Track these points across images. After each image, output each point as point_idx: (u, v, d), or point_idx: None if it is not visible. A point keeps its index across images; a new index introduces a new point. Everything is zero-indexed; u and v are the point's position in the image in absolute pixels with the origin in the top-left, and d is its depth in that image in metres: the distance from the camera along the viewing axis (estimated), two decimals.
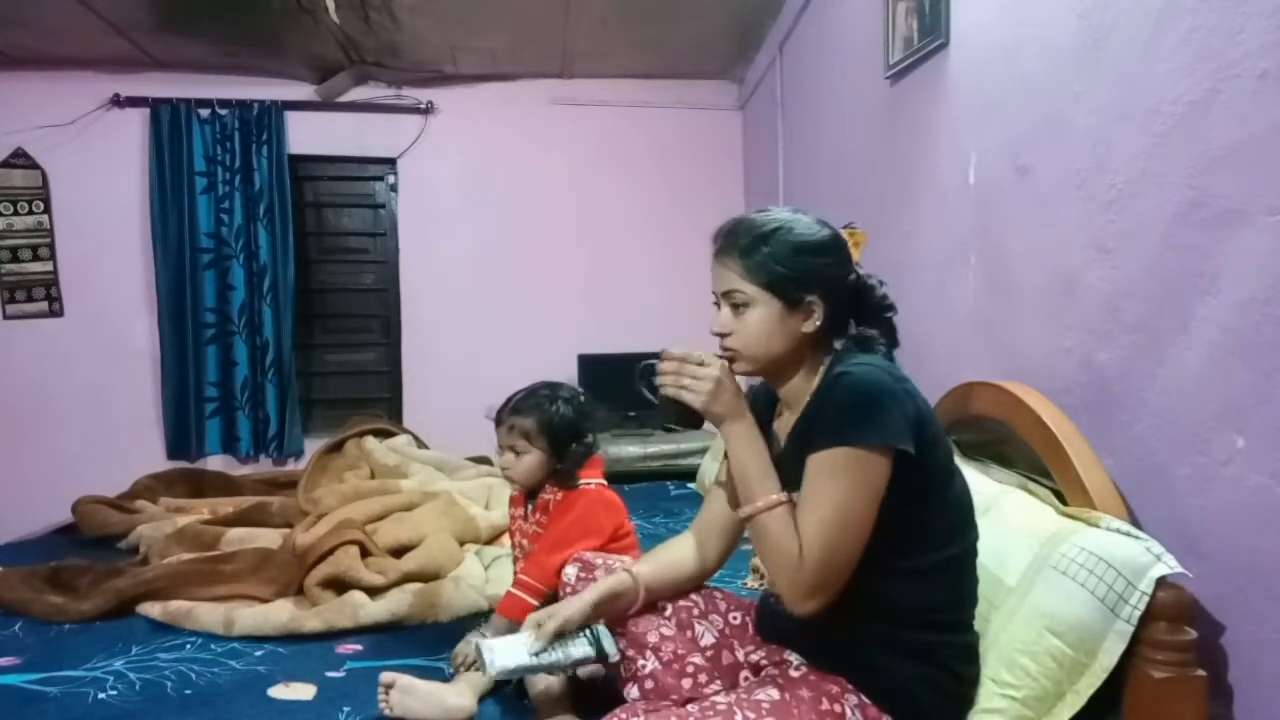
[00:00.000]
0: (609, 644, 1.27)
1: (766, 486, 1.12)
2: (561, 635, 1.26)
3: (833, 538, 1.04)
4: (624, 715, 1.17)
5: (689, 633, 1.29)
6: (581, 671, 1.53)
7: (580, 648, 1.27)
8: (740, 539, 1.40)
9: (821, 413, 1.10)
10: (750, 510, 1.11)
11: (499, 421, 1.76)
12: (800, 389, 1.20)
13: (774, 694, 1.08)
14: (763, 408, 1.30)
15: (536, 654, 1.26)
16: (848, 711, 1.07)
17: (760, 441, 1.16)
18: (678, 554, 1.41)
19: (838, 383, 1.09)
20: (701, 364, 1.15)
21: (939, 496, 1.11)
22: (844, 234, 1.21)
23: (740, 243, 1.17)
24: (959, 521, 1.16)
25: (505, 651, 1.27)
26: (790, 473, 1.15)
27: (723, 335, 1.19)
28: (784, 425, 1.24)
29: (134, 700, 1.61)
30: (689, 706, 1.07)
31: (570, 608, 1.27)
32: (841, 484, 1.05)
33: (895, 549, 1.08)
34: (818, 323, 1.16)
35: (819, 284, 1.15)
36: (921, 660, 1.11)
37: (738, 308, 1.17)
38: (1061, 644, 1.11)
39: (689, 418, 1.17)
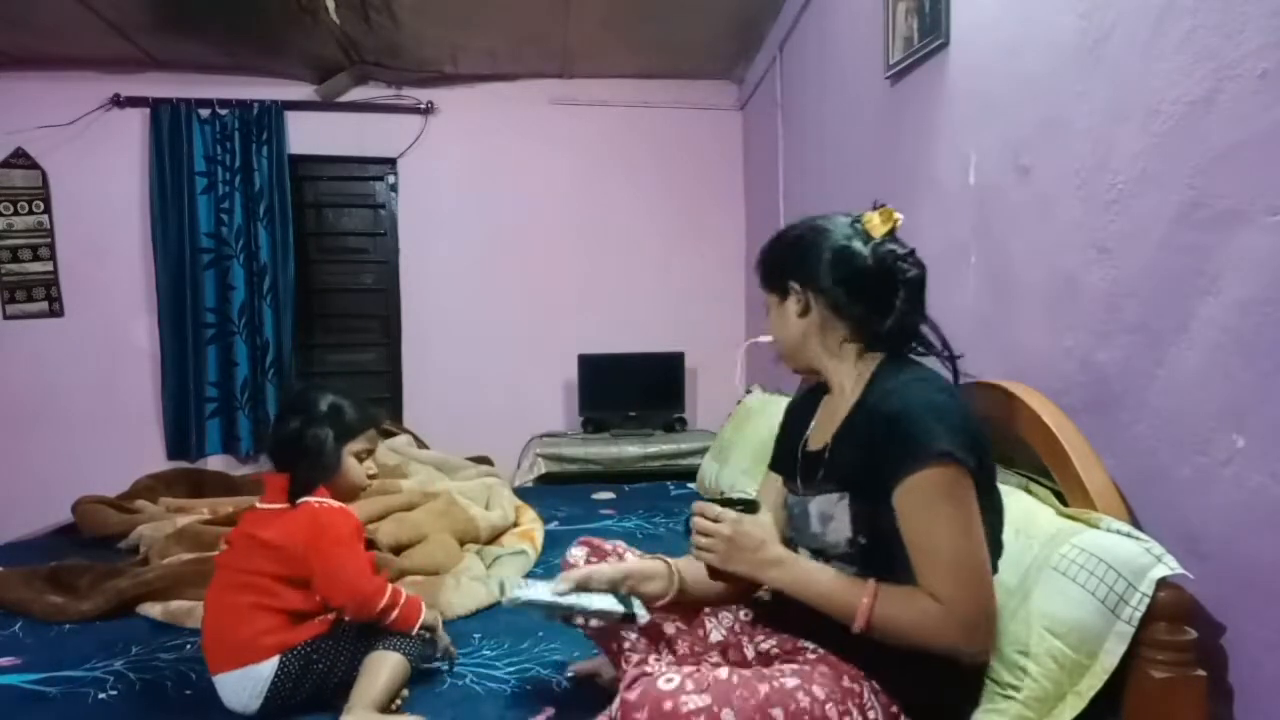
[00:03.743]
0: (639, 607, 1.26)
1: (852, 593, 1.07)
2: (586, 589, 1.27)
3: (961, 563, 1.02)
4: (652, 664, 1.16)
5: (699, 631, 1.32)
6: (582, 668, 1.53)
7: (604, 600, 1.25)
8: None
9: (882, 438, 1.08)
10: (862, 621, 1.05)
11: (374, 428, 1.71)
12: (844, 385, 1.24)
13: (792, 668, 1.10)
14: (800, 411, 1.36)
15: (560, 594, 1.25)
16: (866, 693, 1.08)
17: (808, 569, 1.13)
18: None
19: (894, 407, 1.09)
20: (717, 520, 1.14)
21: (985, 507, 1.09)
22: (843, 217, 1.24)
23: (761, 257, 1.31)
24: (992, 540, 1.13)
25: (527, 588, 1.27)
26: (833, 469, 1.18)
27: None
28: (826, 419, 1.28)
29: (134, 700, 1.61)
30: (719, 670, 1.07)
31: (602, 566, 1.31)
32: (943, 507, 1.03)
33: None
34: (810, 309, 1.23)
35: (793, 272, 1.24)
36: (944, 659, 1.08)
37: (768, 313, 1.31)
38: (1062, 645, 1.11)
39: (717, 572, 1.16)
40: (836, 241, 1.21)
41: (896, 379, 1.14)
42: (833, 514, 1.16)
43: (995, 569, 1.14)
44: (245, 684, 1.48)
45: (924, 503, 1.04)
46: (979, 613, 1.02)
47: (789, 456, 1.33)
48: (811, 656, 1.16)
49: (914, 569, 1.04)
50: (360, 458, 1.65)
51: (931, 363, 1.23)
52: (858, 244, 1.20)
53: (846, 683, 1.08)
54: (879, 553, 1.09)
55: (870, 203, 1.25)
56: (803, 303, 1.23)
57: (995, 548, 1.14)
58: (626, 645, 1.34)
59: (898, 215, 1.21)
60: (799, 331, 1.25)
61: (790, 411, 1.42)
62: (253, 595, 1.50)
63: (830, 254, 1.20)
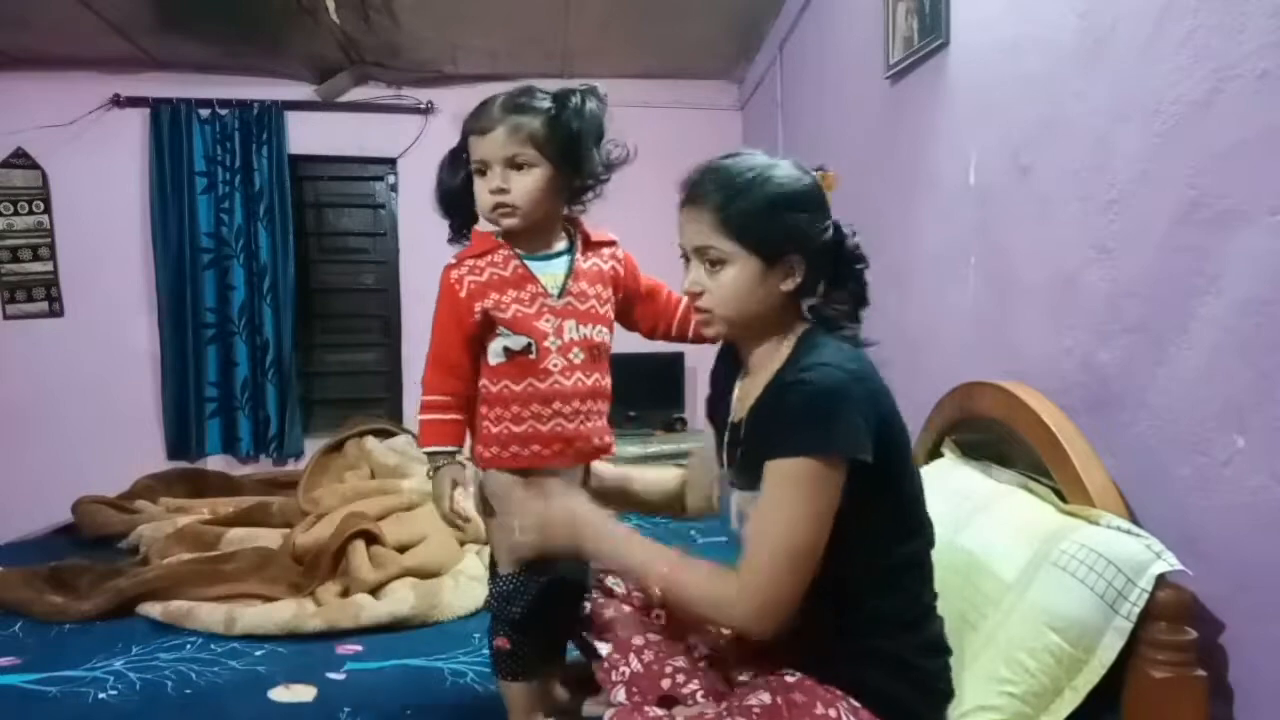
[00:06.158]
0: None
1: (653, 557, 1.10)
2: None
3: (781, 550, 1.01)
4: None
5: (681, 643, 1.27)
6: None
7: None
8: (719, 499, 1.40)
9: (779, 414, 1.04)
10: (661, 583, 1.08)
11: (484, 127, 1.36)
12: (769, 355, 1.14)
13: (765, 698, 1.08)
14: (725, 373, 1.28)
15: None
16: (842, 715, 1.07)
17: (619, 531, 1.15)
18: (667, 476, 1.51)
19: (797, 386, 1.03)
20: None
21: (895, 496, 1.09)
22: (803, 173, 1.13)
23: (715, 193, 1.10)
24: (914, 520, 1.14)
25: None
26: (746, 451, 1.12)
27: (695, 294, 1.13)
28: (746, 392, 1.18)
29: (134, 700, 1.61)
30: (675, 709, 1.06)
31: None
32: (797, 496, 1.01)
33: (852, 551, 1.05)
34: (798, 280, 1.09)
35: (800, 240, 1.07)
36: (889, 662, 1.09)
37: (713, 265, 1.10)
38: (1061, 640, 1.11)
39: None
40: (823, 204, 1.09)
41: (813, 355, 1.06)
42: (748, 514, 1.11)
43: (924, 555, 1.14)
44: None
45: (788, 482, 1.00)
46: (775, 603, 1.02)
47: (720, 426, 1.23)
48: (789, 679, 1.12)
49: (743, 538, 1.05)
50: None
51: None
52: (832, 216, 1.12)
53: (820, 709, 1.06)
54: None
55: (870, 203, 1.24)
56: (792, 275, 1.09)
57: (916, 529, 1.14)
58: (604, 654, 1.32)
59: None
60: (770, 305, 1.10)
61: (722, 356, 1.30)
62: None
63: (831, 225, 1.09)
